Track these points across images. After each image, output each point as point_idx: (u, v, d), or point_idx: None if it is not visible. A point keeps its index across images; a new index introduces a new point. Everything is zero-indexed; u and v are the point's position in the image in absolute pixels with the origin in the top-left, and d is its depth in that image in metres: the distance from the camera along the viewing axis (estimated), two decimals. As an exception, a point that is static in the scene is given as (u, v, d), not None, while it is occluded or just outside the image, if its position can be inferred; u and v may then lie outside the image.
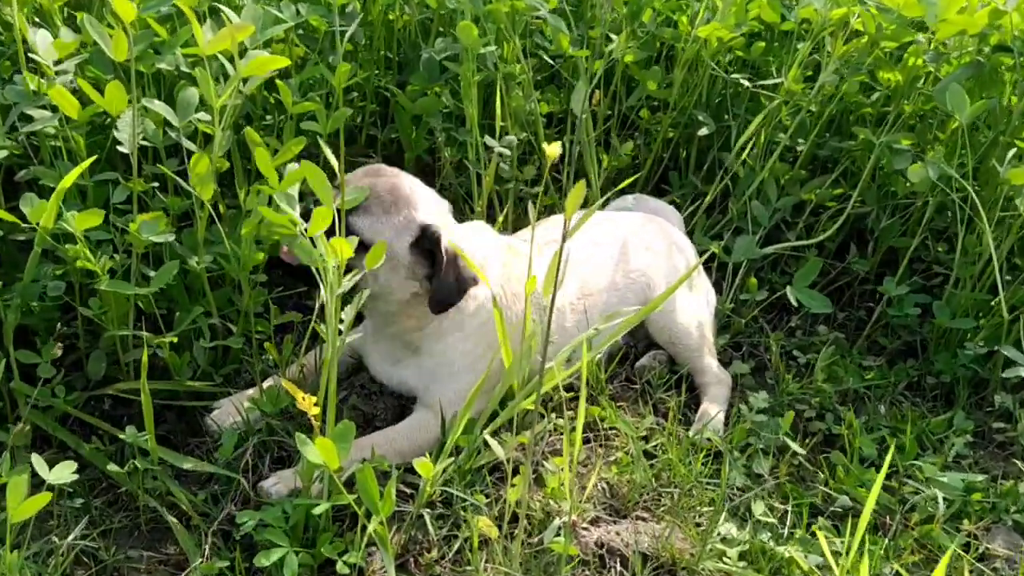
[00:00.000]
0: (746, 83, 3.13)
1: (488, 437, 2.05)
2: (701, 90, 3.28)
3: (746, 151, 3.13)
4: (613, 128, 3.34)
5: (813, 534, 2.18)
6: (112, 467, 2.14)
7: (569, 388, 2.54)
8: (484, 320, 2.37)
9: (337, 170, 1.82)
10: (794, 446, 2.40)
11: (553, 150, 1.68)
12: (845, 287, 3.14)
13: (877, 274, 3.12)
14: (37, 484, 1.88)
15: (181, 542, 2.10)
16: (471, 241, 2.35)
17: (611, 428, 2.50)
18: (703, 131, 3.24)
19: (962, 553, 2.17)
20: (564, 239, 1.73)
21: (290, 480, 2.14)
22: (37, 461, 1.87)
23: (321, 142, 1.89)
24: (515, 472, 2.27)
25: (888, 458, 1.97)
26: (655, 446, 2.44)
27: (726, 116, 3.34)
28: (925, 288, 2.99)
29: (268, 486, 2.14)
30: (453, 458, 2.15)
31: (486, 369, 2.30)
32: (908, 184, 2.99)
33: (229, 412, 2.36)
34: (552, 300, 1.84)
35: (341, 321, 1.96)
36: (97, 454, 2.25)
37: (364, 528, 2.00)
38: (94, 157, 2.22)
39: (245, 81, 2.35)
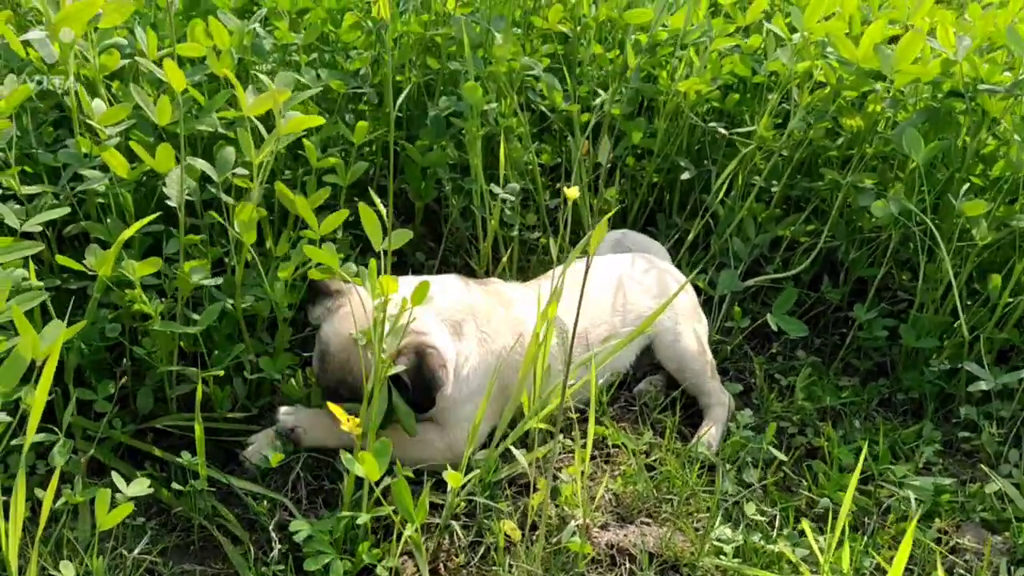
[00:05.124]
0: (723, 131, 3.42)
1: (513, 448, 2.29)
2: (682, 139, 3.57)
3: (723, 192, 3.41)
4: (603, 176, 3.62)
5: (800, 532, 2.43)
6: (174, 490, 2.36)
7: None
8: (481, 375, 2.61)
9: (383, 212, 2.07)
10: (777, 453, 2.65)
11: (572, 192, 1.96)
12: (819, 315, 3.41)
13: (848, 302, 3.38)
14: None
15: (231, 557, 2.32)
16: (437, 307, 2.56)
17: (614, 446, 2.75)
18: (685, 175, 3.53)
19: (934, 546, 2.42)
20: (588, 260, 2.00)
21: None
22: (116, 478, 2.10)
23: (373, 194, 2.15)
24: (530, 487, 2.52)
25: (860, 463, 2.20)
26: (654, 460, 2.69)
27: (705, 162, 3.63)
28: (892, 313, 3.26)
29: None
30: (474, 472, 2.38)
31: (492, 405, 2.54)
32: (873, 219, 3.29)
33: (264, 446, 2.54)
34: (575, 324, 2.11)
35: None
36: (152, 480, 2.47)
37: (399, 537, 2.23)
38: (157, 213, 2.47)
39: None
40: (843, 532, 2.15)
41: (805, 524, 2.21)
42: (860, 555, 2.38)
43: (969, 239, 2.94)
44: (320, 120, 2.43)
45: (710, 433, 2.81)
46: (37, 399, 1.92)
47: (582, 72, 3.60)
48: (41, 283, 2.19)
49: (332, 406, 2.18)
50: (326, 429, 2.52)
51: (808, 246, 3.38)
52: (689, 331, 3.01)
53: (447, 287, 2.67)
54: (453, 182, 3.24)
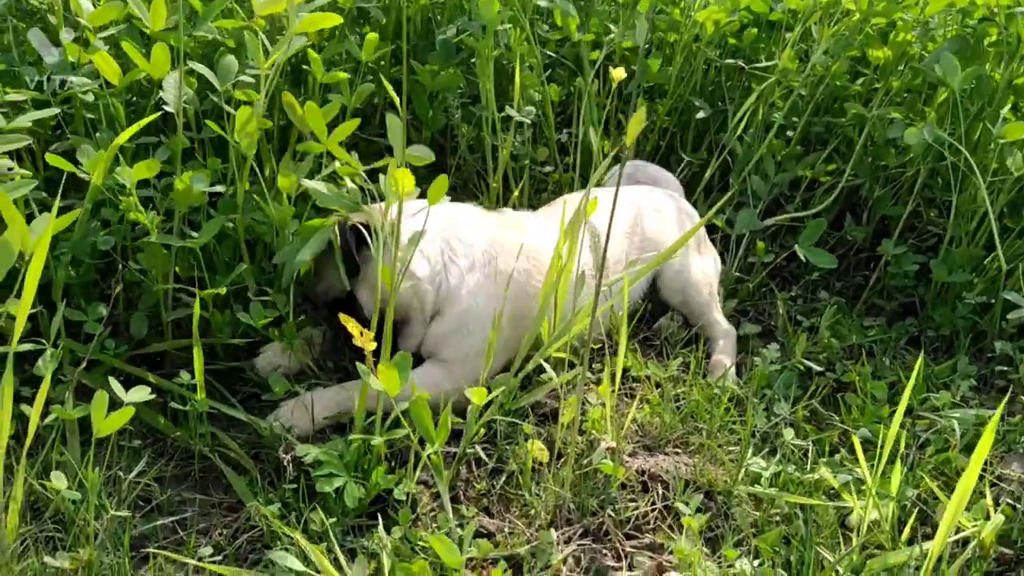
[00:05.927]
0: (743, 65, 3.29)
1: (545, 363, 2.14)
2: (696, 79, 3.43)
3: (741, 128, 3.26)
4: (611, 115, 3.47)
5: (840, 461, 2.29)
6: (172, 411, 2.19)
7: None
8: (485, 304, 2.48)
9: (398, 104, 1.91)
10: (811, 364, 2.54)
11: (618, 73, 1.80)
12: (842, 257, 3.27)
13: (872, 243, 3.26)
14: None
15: (235, 485, 2.15)
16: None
17: (635, 380, 2.60)
18: (700, 114, 3.39)
19: (982, 473, 2.28)
20: (622, 165, 1.85)
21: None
22: (114, 383, 1.92)
23: (386, 83, 1.98)
24: (552, 417, 2.37)
25: (910, 385, 2.06)
26: (680, 393, 2.54)
27: (720, 103, 3.50)
28: (919, 250, 3.14)
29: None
30: (495, 391, 2.21)
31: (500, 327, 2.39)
32: (899, 154, 3.17)
33: (275, 357, 2.46)
34: (607, 242, 1.97)
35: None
36: (145, 408, 2.28)
37: (416, 462, 2.07)
38: (156, 115, 2.28)
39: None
40: (892, 454, 2.02)
41: (854, 440, 2.07)
42: (901, 487, 2.24)
43: (1002, 173, 2.81)
44: (338, 19, 2.27)
45: (729, 366, 2.68)
46: (25, 298, 1.75)
47: (591, 8, 3.44)
48: (29, 172, 2.01)
49: (344, 317, 2.01)
50: (326, 401, 2.37)
51: (829, 185, 3.26)
52: (695, 262, 2.91)
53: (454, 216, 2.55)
54: (463, 108, 3.08)
